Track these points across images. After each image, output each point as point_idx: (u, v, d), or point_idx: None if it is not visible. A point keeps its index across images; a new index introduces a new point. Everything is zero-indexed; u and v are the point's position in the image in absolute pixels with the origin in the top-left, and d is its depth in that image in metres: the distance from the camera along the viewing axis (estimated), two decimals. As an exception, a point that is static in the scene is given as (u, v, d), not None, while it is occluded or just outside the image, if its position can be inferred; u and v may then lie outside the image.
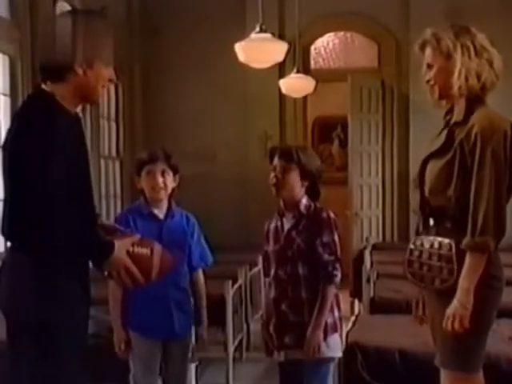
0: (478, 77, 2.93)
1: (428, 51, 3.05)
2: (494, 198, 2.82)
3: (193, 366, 4.81)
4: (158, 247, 2.85)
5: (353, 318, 4.79)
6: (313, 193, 3.76)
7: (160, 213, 3.84)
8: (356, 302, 7.66)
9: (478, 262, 2.84)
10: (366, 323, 4.67)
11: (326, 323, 3.61)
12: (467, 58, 2.93)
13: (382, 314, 5.12)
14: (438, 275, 2.95)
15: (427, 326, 3.18)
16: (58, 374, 2.66)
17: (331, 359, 3.71)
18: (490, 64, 2.96)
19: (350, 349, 4.02)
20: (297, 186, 3.70)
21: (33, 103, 2.77)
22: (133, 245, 2.77)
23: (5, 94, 7.05)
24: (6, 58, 7.09)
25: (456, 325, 2.85)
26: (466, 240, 2.85)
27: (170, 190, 3.84)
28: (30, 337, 2.64)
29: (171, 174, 3.82)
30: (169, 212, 3.86)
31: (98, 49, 2.75)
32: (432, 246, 2.99)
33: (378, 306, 5.39)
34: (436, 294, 3.01)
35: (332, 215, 3.68)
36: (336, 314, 3.69)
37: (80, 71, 2.71)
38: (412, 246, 3.08)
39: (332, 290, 3.62)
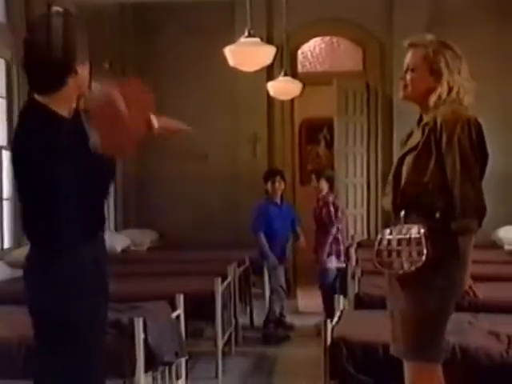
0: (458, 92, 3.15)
1: (417, 53, 3.20)
2: (470, 180, 3.00)
3: (183, 361, 4.95)
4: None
5: (338, 313, 4.79)
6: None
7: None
8: (341, 298, 7.74)
9: (467, 243, 3.03)
10: (350, 319, 4.70)
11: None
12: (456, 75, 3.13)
13: (367, 309, 5.16)
14: (407, 259, 3.07)
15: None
16: (79, 367, 2.76)
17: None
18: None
19: (336, 343, 4.07)
20: None
21: (29, 115, 2.78)
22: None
23: (1, 97, 7.16)
24: (2, 62, 7.19)
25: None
26: (453, 224, 3.01)
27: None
28: (53, 333, 2.74)
29: (282, 182, 7.46)
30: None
31: (86, 46, 2.80)
32: (400, 232, 3.12)
33: (363, 302, 5.42)
34: (399, 284, 3.13)
35: None
36: None
37: (79, 71, 2.75)
38: (381, 236, 3.22)
39: None
